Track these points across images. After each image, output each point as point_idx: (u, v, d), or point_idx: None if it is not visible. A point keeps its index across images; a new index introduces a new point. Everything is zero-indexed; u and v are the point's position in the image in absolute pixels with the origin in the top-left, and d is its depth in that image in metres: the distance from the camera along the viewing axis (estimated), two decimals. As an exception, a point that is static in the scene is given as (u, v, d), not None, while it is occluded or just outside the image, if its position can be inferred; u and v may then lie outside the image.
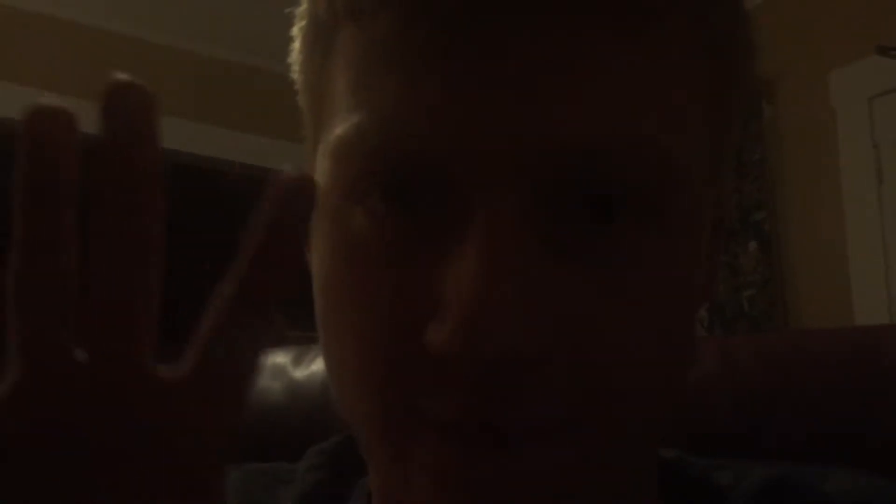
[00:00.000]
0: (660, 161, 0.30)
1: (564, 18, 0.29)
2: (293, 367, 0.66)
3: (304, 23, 0.37)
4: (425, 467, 0.31)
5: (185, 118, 2.72)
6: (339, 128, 0.32)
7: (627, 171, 0.30)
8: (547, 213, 0.30)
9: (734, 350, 0.57)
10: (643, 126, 0.30)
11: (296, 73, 0.39)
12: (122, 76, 0.23)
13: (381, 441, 0.33)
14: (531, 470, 0.30)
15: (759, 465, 0.45)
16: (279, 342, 0.79)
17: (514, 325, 0.28)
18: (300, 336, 0.88)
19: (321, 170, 0.34)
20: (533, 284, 0.28)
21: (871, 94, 2.11)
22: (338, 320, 0.33)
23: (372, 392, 0.32)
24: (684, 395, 0.40)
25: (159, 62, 2.74)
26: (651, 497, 0.41)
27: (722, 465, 0.45)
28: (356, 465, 0.46)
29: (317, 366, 0.66)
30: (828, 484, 0.42)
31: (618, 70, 0.30)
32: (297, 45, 0.38)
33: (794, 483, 0.42)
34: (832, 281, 2.14)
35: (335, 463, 0.49)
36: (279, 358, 0.68)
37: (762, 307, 2.22)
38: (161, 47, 2.78)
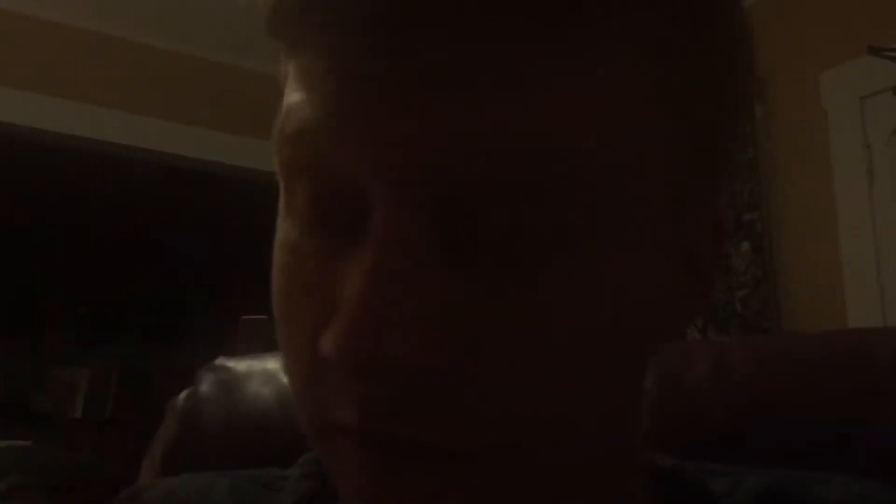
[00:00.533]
0: (568, 173, 0.28)
1: (471, 27, 0.28)
2: (284, 373, 0.67)
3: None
4: (343, 471, 0.32)
5: (166, 119, 2.72)
6: (275, 130, 0.33)
7: (527, 180, 0.28)
8: (445, 222, 0.29)
9: (727, 354, 0.57)
10: (547, 133, 0.28)
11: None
12: None
13: (316, 444, 0.34)
14: (419, 485, 0.30)
15: (755, 471, 0.45)
16: (271, 347, 0.79)
17: (392, 328, 0.27)
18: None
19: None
20: (421, 291, 0.28)
21: (863, 94, 2.12)
22: (278, 323, 0.34)
23: (300, 398, 0.34)
24: (637, 417, 0.38)
25: (159, 64, 2.75)
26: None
27: (717, 471, 0.45)
28: None
29: (307, 371, 0.66)
30: (824, 491, 0.42)
31: (530, 77, 0.28)
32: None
33: (790, 490, 0.42)
34: (825, 281, 2.15)
35: (327, 473, 0.50)
36: (270, 364, 0.69)
37: (755, 307, 2.23)
38: (161, 50, 2.78)
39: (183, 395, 0.69)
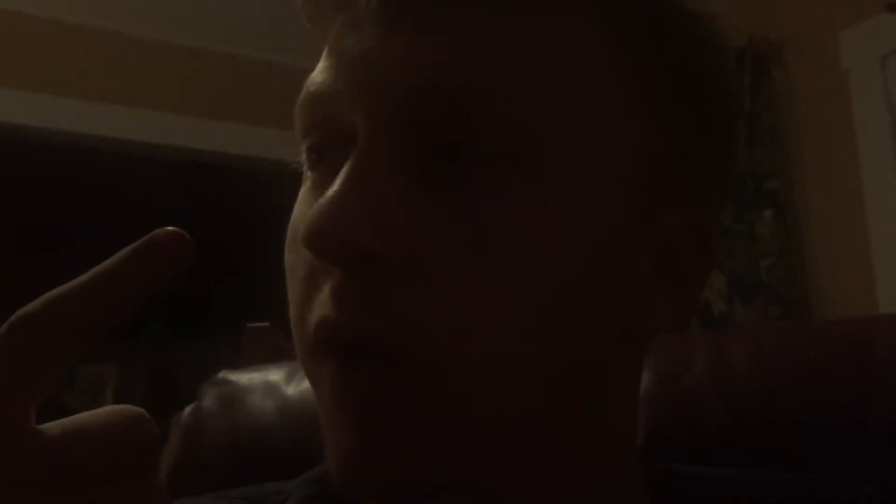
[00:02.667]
0: (520, 110, 0.33)
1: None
2: (286, 385, 0.65)
3: None
4: (322, 390, 0.35)
5: (189, 114, 2.73)
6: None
7: (477, 114, 0.33)
8: (414, 149, 0.34)
9: (725, 347, 0.56)
10: (490, 75, 0.33)
11: None
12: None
13: (307, 375, 0.37)
14: (381, 391, 0.33)
15: (755, 474, 0.45)
16: (276, 356, 0.78)
17: (355, 218, 0.31)
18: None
19: None
20: (382, 194, 0.32)
21: (884, 53, 2.07)
22: (286, 271, 0.38)
23: (296, 327, 0.37)
24: (601, 401, 0.38)
25: (153, 57, 2.75)
26: None
27: (717, 475, 0.45)
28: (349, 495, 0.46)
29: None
30: (823, 493, 0.42)
31: (479, 24, 0.34)
32: None
33: (789, 493, 0.42)
34: (851, 245, 2.11)
35: (330, 493, 0.48)
36: (272, 375, 0.67)
37: (780, 276, 2.19)
38: (171, 45, 2.78)
39: (187, 410, 0.68)
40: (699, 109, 0.38)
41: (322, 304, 0.34)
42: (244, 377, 0.68)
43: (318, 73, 0.36)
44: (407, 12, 0.34)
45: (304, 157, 0.39)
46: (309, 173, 0.38)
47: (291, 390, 0.65)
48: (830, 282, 2.16)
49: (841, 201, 2.14)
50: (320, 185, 0.35)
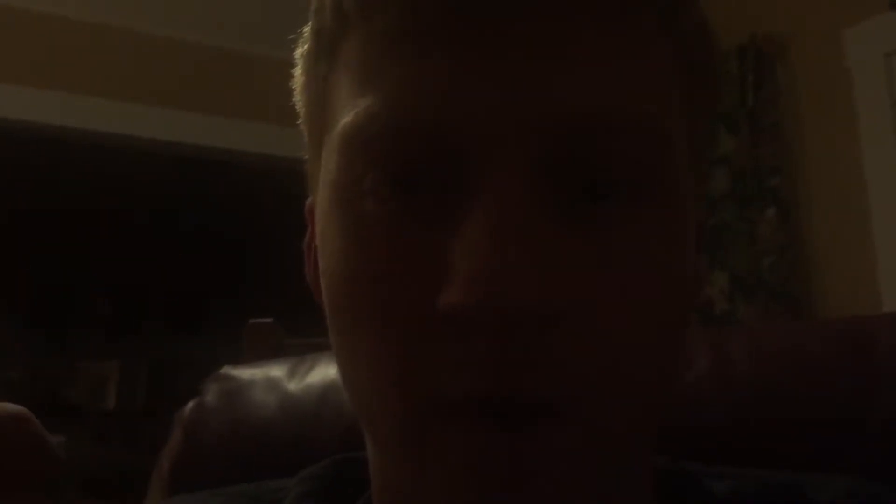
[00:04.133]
0: (658, 138, 0.33)
1: (558, 7, 0.32)
2: (288, 380, 0.65)
3: (307, 45, 0.39)
4: (440, 454, 0.31)
5: (190, 109, 2.72)
6: (347, 116, 0.34)
7: (625, 145, 0.32)
8: (550, 185, 0.31)
9: (726, 345, 0.56)
10: (641, 103, 0.32)
11: (297, 99, 0.41)
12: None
13: (398, 431, 0.33)
14: (544, 449, 0.30)
15: (756, 473, 0.45)
16: (277, 352, 0.78)
17: (527, 279, 0.28)
18: (300, 343, 0.88)
19: (328, 168, 0.36)
20: (539, 245, 0.29)
21: (888, 51, 2.06)
22: (351, 312, 0.34)
23: (390, 379, 0.32)
24: (675, 392, 0.39)
25: (157, 54, 2.74)
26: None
27: (718, 473, 0.45)
28: (347, 491, 0.46)
29: (311, 378, 0.65)
30: (823, 494, 0.41)
31: (609, 52, 0.32)
32: (298, 70, 0.40)
33: (790, 493, 0.42)
34: (854, 243, 2.10)
35: (327, 490, 0.49)
36: (275, 371, 0.67)
37: (783, 274, 2.18)
38: (159, 38, 2.77)
39: (189, 406, 0.68)
40: (709, 110, 0.40)
41: (466, 369, 0.30)
42: (246, 373, 0.68)
43: (413, 85, 0.32)
44: (540, 40, 0.32)
45: (343, 165, 0.34)
46: (380, 200, 0.33)
47: (293, 386, 0.65)
48: (833, 280, 2.16)
49: (844, 199, 2.14)
50: (416, 226, 0.32)
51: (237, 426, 0.64)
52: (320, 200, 0.37)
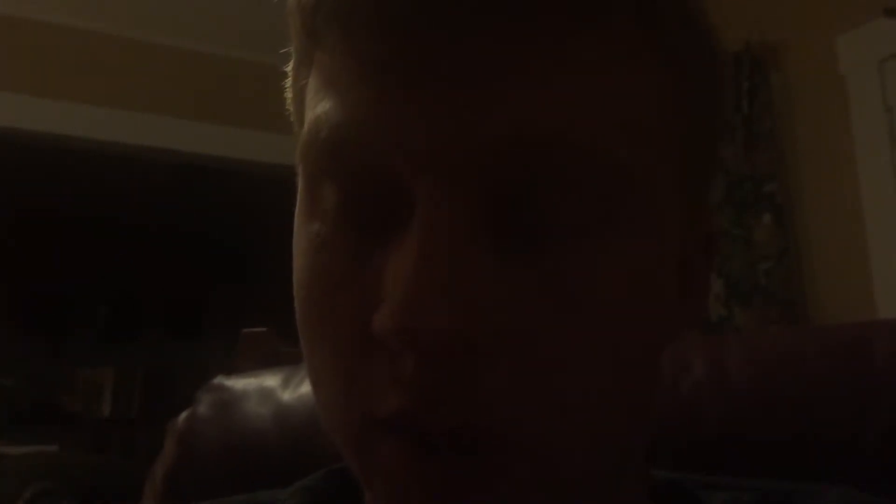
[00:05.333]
0: (611, 164, 0.31)
1: (501, 27, 0.30)
2: (282, 391, 0.65)
3: (292, 58, 0.39)
4: (380, 469, 0.32)
5: (186, 118, 2.72)
6: (307, 124, 0.34)
7: (568, 173, 0.31)
8: (487, 210, 0.31)
9: (721, 353, 0.56)
10: (588, 127, 0.31)
11: (290, 104, 0.41)
12: None
13: (346, 444, 0.34)
14: (470, 474, 0.30)
15: (754, 484, 0.44)
16: (272, 361, 0.78)
17: (449, 303, 0.28)
18: (296, 352, 0.87)
19: (299, 185, 0.37)
20: (469, 271, 0.29)
21: (881, 58, 2.06)
22: (308, 328, 0.35)
23: (338, 397, 0.33)
24: (648, 423, 0.38)
25: (157, 62, 2.74)
26: None
27: (716, 484, 0.45)
28: (341, 503, 0.46)
29: (305, 388, 0.65)
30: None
31: (555, 72, 0.30)
32: (288, 83, 0.41)
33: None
34: (849, 248, 2.11)
35: (321, 502, 0.48)
36: (269, 381, 0.67)
37: (779, 279, 2.18)
38: (158, 46, 2.77)
39: (182, 416, 0.68)
40: (711, 121, 0.38)
41: (393, 389, 0.30)
42: (239, 383, 0.68)
43: (352, 106, 0.32)
44: (475, 57, 0.30)
45: (308, 187, 0.35)
46: (332, 218, 0.34)
47: (287, 396, 0.65)
48: (828, 285, 2.16)
49: (839, 205, 2.14)
50: (363, 244, 0.32)
51: (231, 437, 0.64)
52: (296, 209, 0.38)
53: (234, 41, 2.81)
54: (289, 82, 0.41)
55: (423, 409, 0.30)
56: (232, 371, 0.74)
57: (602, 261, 0.31)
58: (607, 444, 0.33)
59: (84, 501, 2.04)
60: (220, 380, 0.69)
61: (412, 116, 0.30)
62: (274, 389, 0.66)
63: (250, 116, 2.77)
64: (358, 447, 0.33)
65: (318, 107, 0.33)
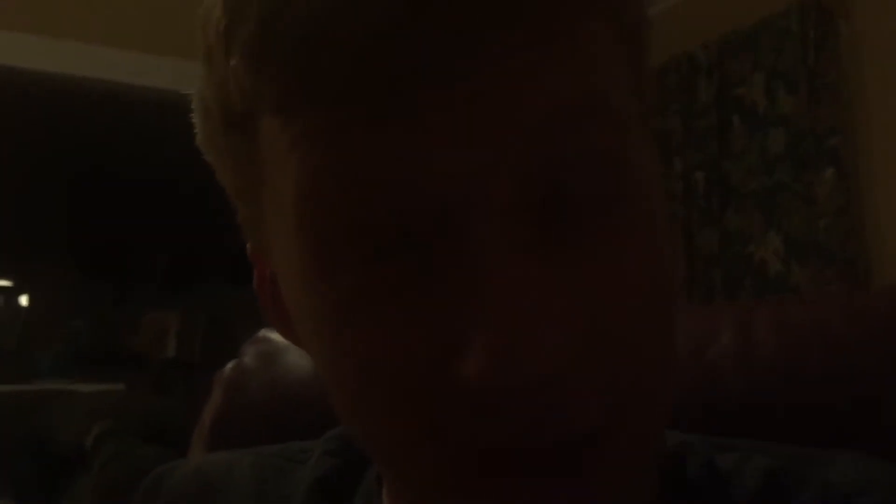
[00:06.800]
0: (617, 122, 0.31)
1: (486, 48, 0.29)
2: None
3: (205, 105, 0.37)
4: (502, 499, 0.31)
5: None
6: (295, 185, 0.32)
7: (582, 172, 0.31)
8: (525, 216, 0.30)
9: (752, 321, 0.56)
10: (587, 131, 0.31)
11: (206, 153, 0.39)
12: None
13: (433, 483, 0.33)
14: (593, 482, 0.31)
15: (764, 448, 0.44)
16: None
17: (551, 342, 0.28)
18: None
19: (285, 249, 0.34)
20: (546, 295, 0.29)
21: (957, 6, 1.98)
22: (355, 385, 0.33)
23: (414, 437, 0.32)
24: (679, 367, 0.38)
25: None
26: (652, 484, 0.41)
27: (726, 446, 0.45)
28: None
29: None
30: (831, 472, 0.41)
31: (554, 82, 0.30)
32: (200, 128, 0.38)
33: (795, 470, 0.42)
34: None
35: (349, 449, 0.51)
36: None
37: (839, 237, 2.13)
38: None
39: (229, 366, 0.71)
40: (651, 77, 0.39)
41: (488, 424, 0.30)
42: (282, 336, 0.71)
43: (358, 151, 0.30)
44: (477, 62, 0.29)
45: (317, 249, 0.32)
46: (360, 273, 0.31)
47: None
48: (891, 244, 2.10)
49: (904, 160, 2.07)
50: (404, 291, 0.31)
51: (273, 387, 0.67)
52: (288, 274, 0.36)
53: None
54: (198, 126, 0.39)
55: (528, 439, 0.30)
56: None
57: (634, 224, 0.32)
58: (667, 402, 0.35)
59: (147, 439, 2.13)
60: (264, 332, 0.72)
61: (432, 147, 0.29)
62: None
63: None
64: (453, 484, 0.32)
65: (308, 163, 0.31)
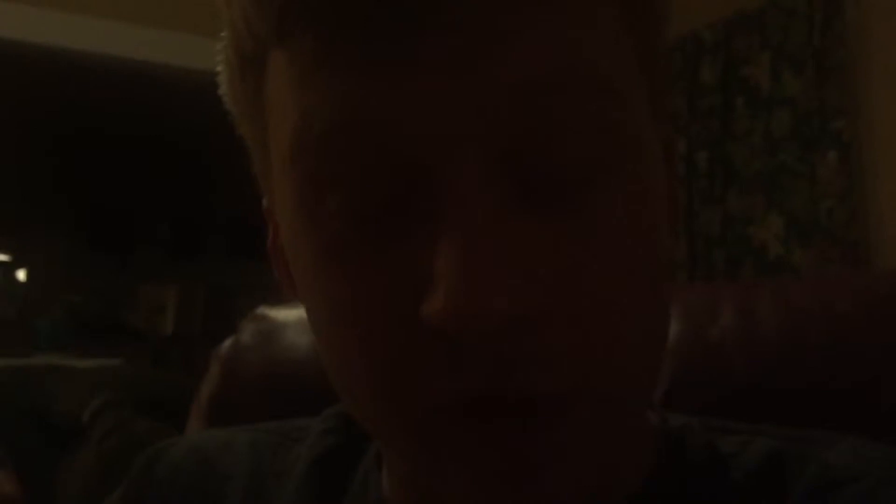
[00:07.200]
0: (612, 94, 0.31)
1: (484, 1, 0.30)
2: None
3: (227, 55, 0.38)
4: (454, 455, 0.32)
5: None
6: (290, 124, 0.32)
7: (578, 106, 0.31)
8: (513, 177, 0.30)
9: (754, 301, 0.56)
10: (589, 62, 0.31)
11: (229, 104, 0.40)
12: None
13: (405, 435, 0.33)
14: (554, 440, 0.31)
15: (766, 431, 0.44)
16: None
17: (510, 284, 0.28)
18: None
19: (282, 190, 0.35)
20: (517, 242, 0.29)
21: (966, -12, 1.96)
22: (336, 329, 0.34)
23: (385, 390, 0.33)
24: (662, 361, 0.38)
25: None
26: (648, 462, 0.41)
27: (727, 428, 0.45)
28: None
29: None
30: (830, 455, 0.41)
31: (545, 45, 0.30)
32: (224, 78, 0.40)
33: (796, 453, 0.42)
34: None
35: (348, 427, 0.50)
36: (307, 311, 0.69)
37: (842, 219, 2.13)
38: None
39: (226, 344, 0.71)
40: (665, 61, 0.38)
41: (455, 374, 0.30)
42: (280, 313, 0.70)
43: (348, 96, 0.31)
44: (468, 24, 0.30)
45: (304, 194, 0.33)
46: (345, 217, 0.32)
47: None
48: (893, 223, 2.10)
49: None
50: (385, 238, 0.31)
51: (270, 365, 0.67)
52: (284, 215, 0.36)
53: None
54: (224, 84, 0.40)
55: (493, 387, 0.30)
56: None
57: (620, 194, 0.32)
58: (650, 372, 0.35)
59: (145, 413, 2.14)
60: (262, 310, 0.72)
61: (420, 88, 0.30)
62: (313, 320, 0.68)
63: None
64: (422, 436, 0.33)
65: (303, 100, 0.32)
